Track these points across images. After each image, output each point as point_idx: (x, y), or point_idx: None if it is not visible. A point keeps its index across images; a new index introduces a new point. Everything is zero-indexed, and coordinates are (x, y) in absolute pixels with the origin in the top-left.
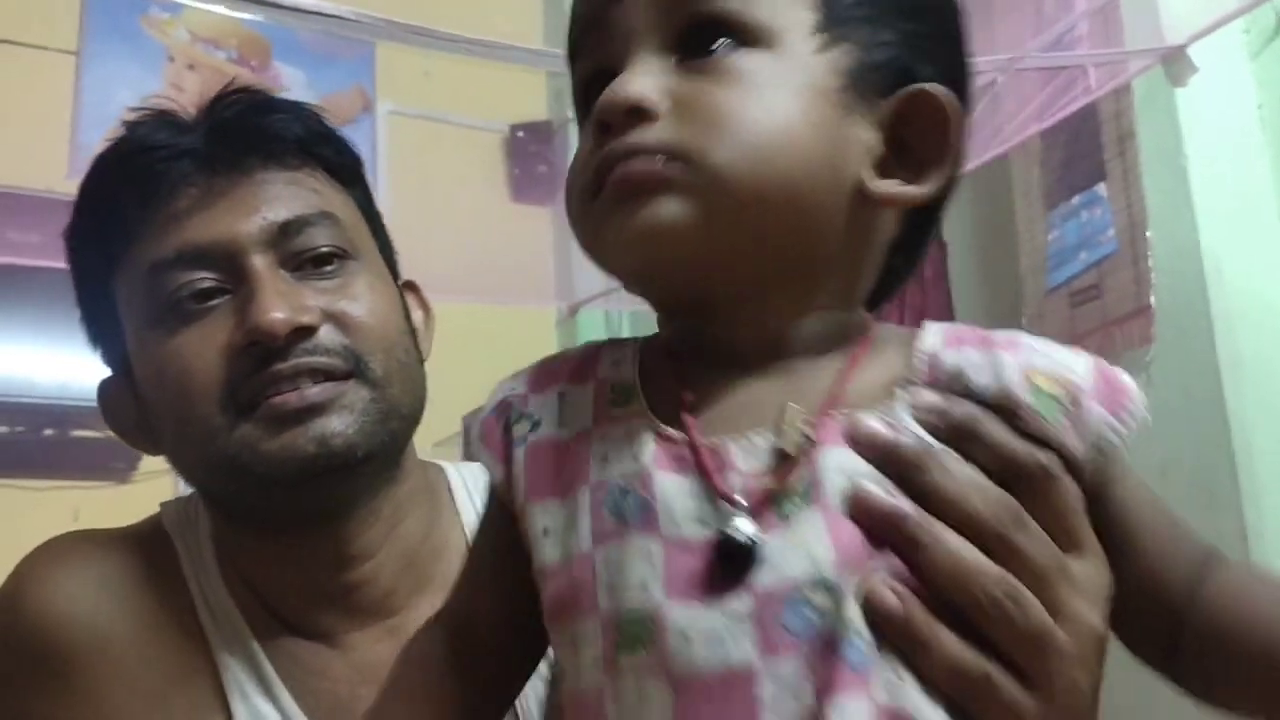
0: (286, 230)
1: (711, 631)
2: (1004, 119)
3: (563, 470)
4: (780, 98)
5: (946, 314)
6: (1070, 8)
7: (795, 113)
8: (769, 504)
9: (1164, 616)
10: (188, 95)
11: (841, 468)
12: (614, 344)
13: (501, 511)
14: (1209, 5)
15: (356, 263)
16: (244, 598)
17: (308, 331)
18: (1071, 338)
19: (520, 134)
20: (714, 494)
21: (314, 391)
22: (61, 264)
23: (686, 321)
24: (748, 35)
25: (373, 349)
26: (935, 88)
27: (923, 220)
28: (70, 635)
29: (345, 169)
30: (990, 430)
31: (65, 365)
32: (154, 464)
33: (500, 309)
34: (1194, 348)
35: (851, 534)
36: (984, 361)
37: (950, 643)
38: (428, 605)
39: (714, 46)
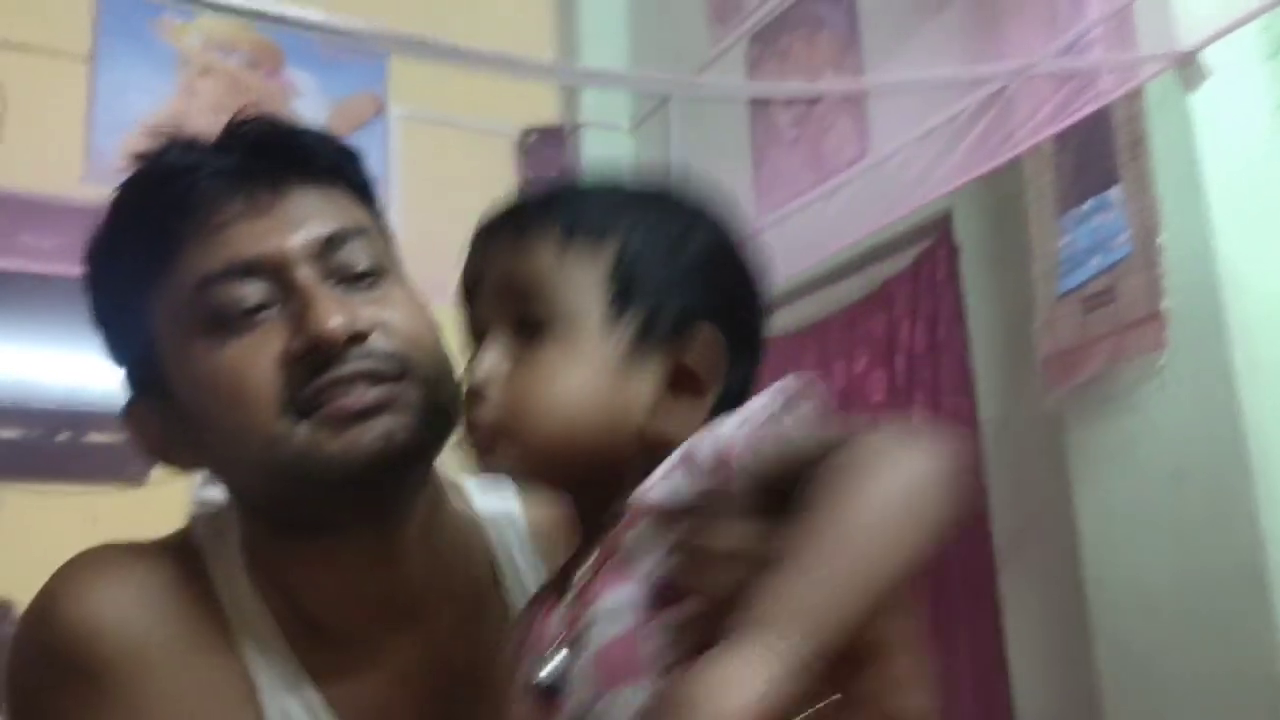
0: (330, 244)
1: None
2: (1016, 124)
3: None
4: (569, 377)
5: (958, 320)
6: (1083, 12)
7: (577, 389)
8: (569, 646)
9: None
10: (201, 100)
11: (605, 612)
12: None
13: None
14: (1223, 8)
15: (391, 277)
16: (276, 606)
17: (361, 338)
18: (1084, 343)
19: (533, 137)
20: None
21: (372, 393)
22: (76, 269)
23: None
24: (555, 327)
25: (419, 354)
26: (697, 334)
27: (743, 379)
28: (107, 646)
29: (368, 189)
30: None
31: (79, 369)
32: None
33: None
34: (1208, 353)
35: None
36: (680, 476)
37: None
38: (457, 611)
39: (534, 335)
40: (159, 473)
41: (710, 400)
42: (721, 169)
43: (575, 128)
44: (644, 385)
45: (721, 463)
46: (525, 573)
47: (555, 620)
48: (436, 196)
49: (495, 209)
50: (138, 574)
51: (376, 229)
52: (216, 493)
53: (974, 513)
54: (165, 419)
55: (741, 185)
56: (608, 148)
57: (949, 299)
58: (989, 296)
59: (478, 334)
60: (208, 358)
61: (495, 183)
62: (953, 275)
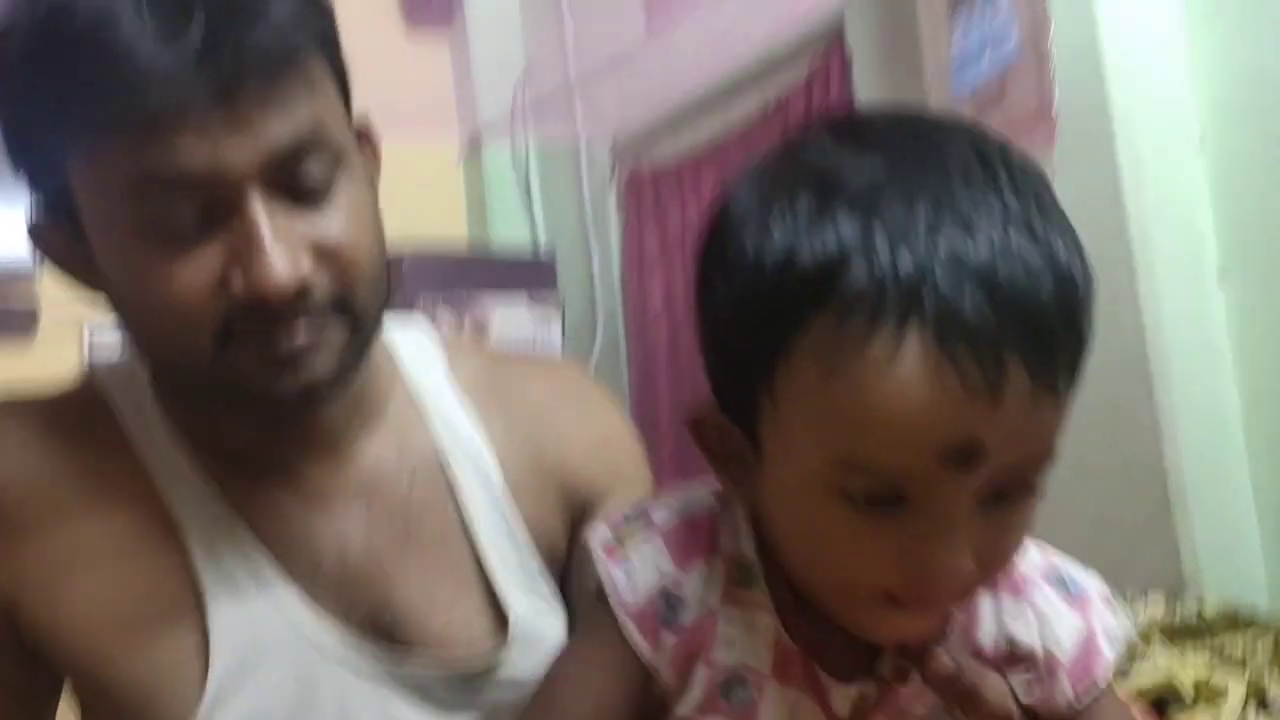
0: (284, 160)
1: None
2: None
3: (690, 644)
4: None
5: None
6: None
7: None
8: None
9: None
10: None
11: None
12: (720, 501)
13: (634, 676)
14: None
15: (343, 176)
16: (193, 443)
17: (304, 289)
18: None
19: None
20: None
21: (304, 338)
22: None
23: None
24: (1035, 488)
25: (358, 283)
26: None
27: None
28: (11, 490)
29: (330, 34)
30: (986, 692)
31: None
32: (53, 331)
33: (398, 148)
34: (1095, 151)
35: None
36: (1004, 617)
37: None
38: (376, 443)
39: (1011, 495)
40: (45, 331)
41: None
42: None
43: None
44: None
45: (1047, 667)
46: (447, 405)
47: (848, 695)
48: None
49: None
50: (39, 422)
51: (335, 95)
52: (113, 341)
53: None
54: (75, 251)
55: (630, 3)
56: None
57: (843, 109)
58: (882, 101)
59: (898, 497)
60: (142, 261)
61: (378, 29)
62: (846, 85)
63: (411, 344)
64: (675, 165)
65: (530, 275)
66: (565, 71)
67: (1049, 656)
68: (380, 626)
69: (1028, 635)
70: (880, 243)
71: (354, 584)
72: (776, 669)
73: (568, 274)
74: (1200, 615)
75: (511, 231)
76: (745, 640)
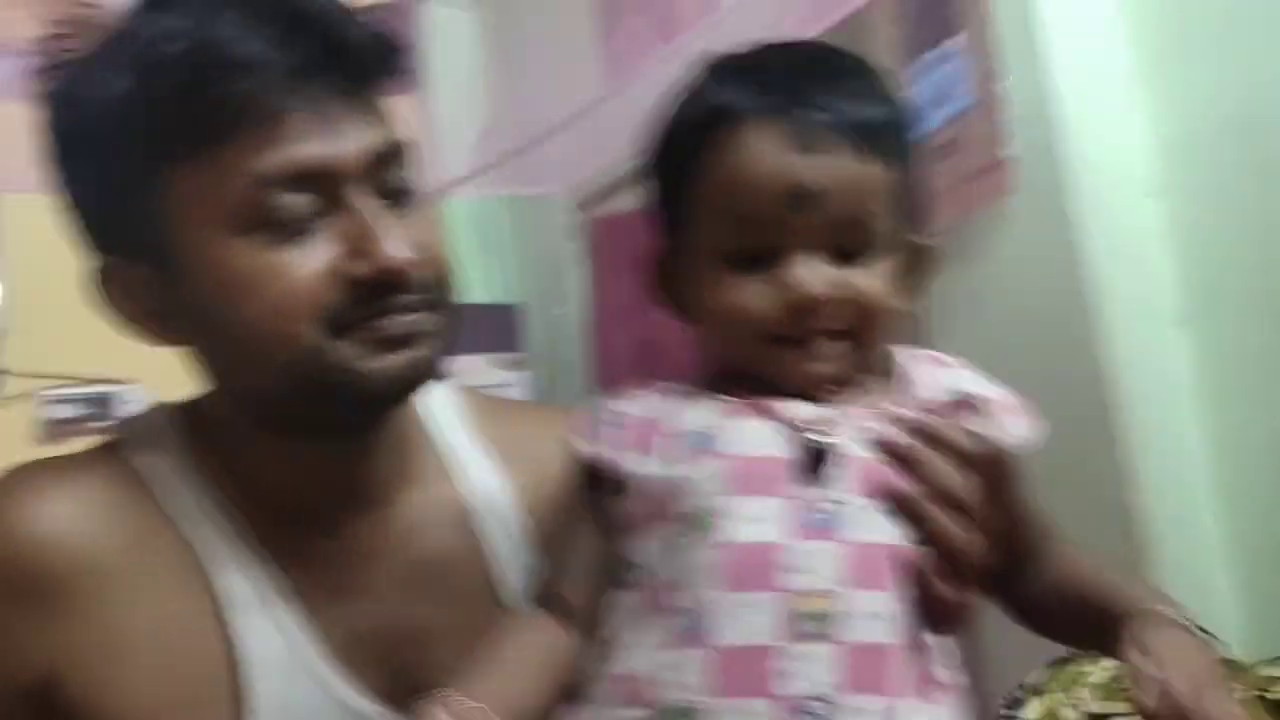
0: (381, 160)
1: (755, 514)
2: None
3: (652, 432)
4: (894, 276)
5: None
6: None
7: (897, 281)
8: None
9: (1015, 563)
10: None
11: (861, 435)
12: (669, 384)
13: (593, 478)
14: None
15: (418, 197)
16: (234, 499)
17: (412, 268)
18: (931, 195)
19: (372, 14)
20: (783, 424)
21: (409, 320)
22: None
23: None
24: (879, 244)
25: (446, 283)
26: (930, 244)
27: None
28: (56, 557)
29: (401, 79)
30: (948, 431)
31: None
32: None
33: None
34: (1049, 199)
35: (870, 468)
36: (944, 377)
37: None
38: (410, 496)
39: (858, 249)
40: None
41: (911, 301)
42: (568, 40)
43: (414, 3)
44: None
45: (982, 409)
46: (472, 460)
47: (806, 413)
48: None
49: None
50: (75, 484)
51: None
52: (71, 410)
53: None
54: (154, 290)
55: (590, 55)
56: (451, 23)
57: None
58: None
59: (763, 249)
60: (250, 257)
61: None
62: None
63: (432, 395)
64: (640, 214)
65: (497, 325)
66: (527, 125)
67: (992, 403)
68: (416, 685)
69: (970, 386)
70: (739, 80)
71: (390, 641)
72: (731, 415)
73: (535, 324)
74: None
75: (476, 283)
76: (702, 414)
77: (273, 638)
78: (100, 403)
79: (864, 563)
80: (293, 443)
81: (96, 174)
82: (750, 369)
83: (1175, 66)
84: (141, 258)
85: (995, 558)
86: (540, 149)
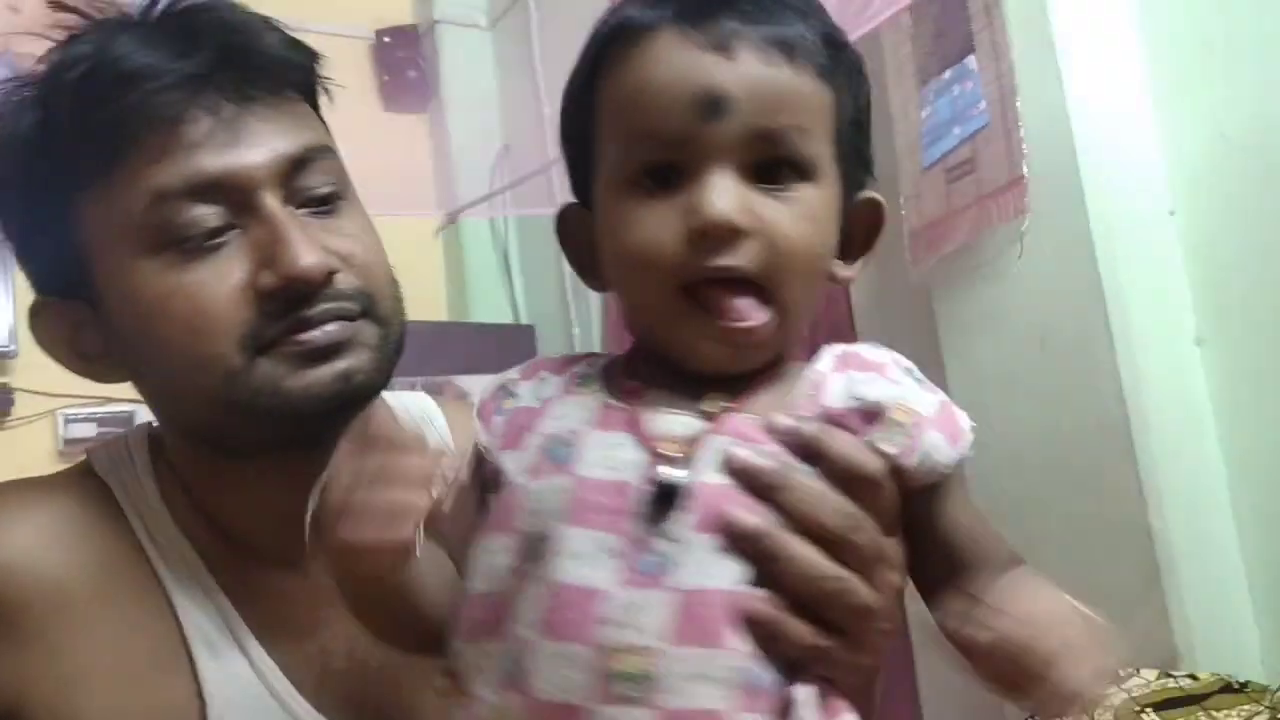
0: (296, 165)
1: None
2: None
3: (526, 427)
4: (820, 219)
5: None
6: None
7: (825, 229)
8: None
9: (962, 591)
10: (24, 15)
11: (720, 458)
12: (593, 356)
13: (479, 464)
14: None
15: (347, 200)
16: (197, 531)
17: (330, 276)
18: (948, 214)
19: (386, 39)
20: (642, 445)
21: (334, 329)
22: None
23: (660, 355)
24: (806, 169)
25: (379, 289)
26: (875, 198)
27: None
28: (21, 583)
29: (312, 86)
30: (833, 444)
31: None
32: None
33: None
34: (1067, 217)
35: (716, 496)
36: (859, 380)
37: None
38: None
39: (782, 174)
40: (20, 411)
41: (858, 271)
42: None
43: (429, 26)
44: (836, 235)
45: (915, 424)
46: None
47: (672, 424)
48: None
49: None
50: (46, 509)
51: (333, 143)
52: (90, 430)
53: None
54: (84, 325)
55: None
56: (465, 46)
57: None
58: None
59: (672, 165)
60: (160, 278)
61: (352, 89)
62: None
63: (413, 413)
64: None
65: (510, 346)
66: (543, 147)
67: (912, 414)
68: None
69: (880, 393)
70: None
71: (358, 680)
72: (598, 423)
73: (549, 344)
74: (1193, 678)
75: (491, 305)
76: (573, 413)
77: (239, 676)
78: (120, 421)
79: (695, 615)
80: (242, 471)
81: (18, 212)
82: (653, 342)
83: (1192, 85)
84: (75, 295)
85: (923, 589)
86: (556, 170)
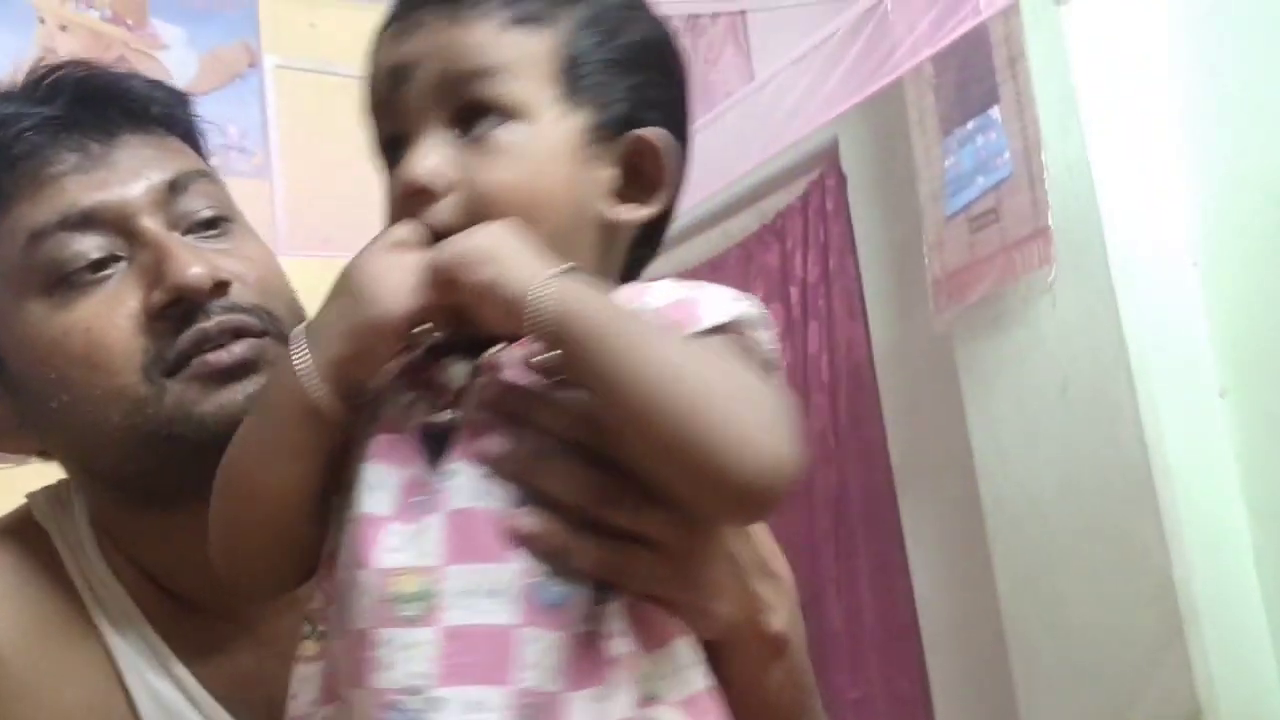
0: (173, 189)
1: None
2: (895, 43)
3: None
4: (536, 160)
5: (849, 248)
6: None
7: (548, 169)
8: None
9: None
10: (62, 58)
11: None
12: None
13: None
14: None
15: (236, 224)
16: (133, 581)
17: (224, 288)
18: (972, 263)
19: None
20: (428, 393)
21: (240, 348)
22: None
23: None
24: (508, 112)
25: (279, 308)
26: (651, 131)
27: (659, 219)
28: None
29: (199, 136)
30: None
31: None
32: None
33: None
34: (1089, 268)
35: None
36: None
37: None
38: None
39: (483, 123)
40: None
41: (661, 205)
42: None
43: None
44: (601, 175)
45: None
46: None
47: (454, 373)
48: (315, 146)
49: None
50: None
51: (215, 176)
52: None
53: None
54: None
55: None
56: None
57: (839, 227)
58: (878, 222)
59: (396, 138)
60: (51, 319)
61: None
62: (842, 204)
63: None
64: (677, 276)
65: None
66: None
67: (650, 310)
68: None
69: (649, 301)
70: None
71: None
72: (401, 375)
73: None
74: None
75: None
76: (391, 370)
77: None
78: None
79: (466, 532)
80: (169, 521)
81: None
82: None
83: (1214, 138)
84: None
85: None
86: None
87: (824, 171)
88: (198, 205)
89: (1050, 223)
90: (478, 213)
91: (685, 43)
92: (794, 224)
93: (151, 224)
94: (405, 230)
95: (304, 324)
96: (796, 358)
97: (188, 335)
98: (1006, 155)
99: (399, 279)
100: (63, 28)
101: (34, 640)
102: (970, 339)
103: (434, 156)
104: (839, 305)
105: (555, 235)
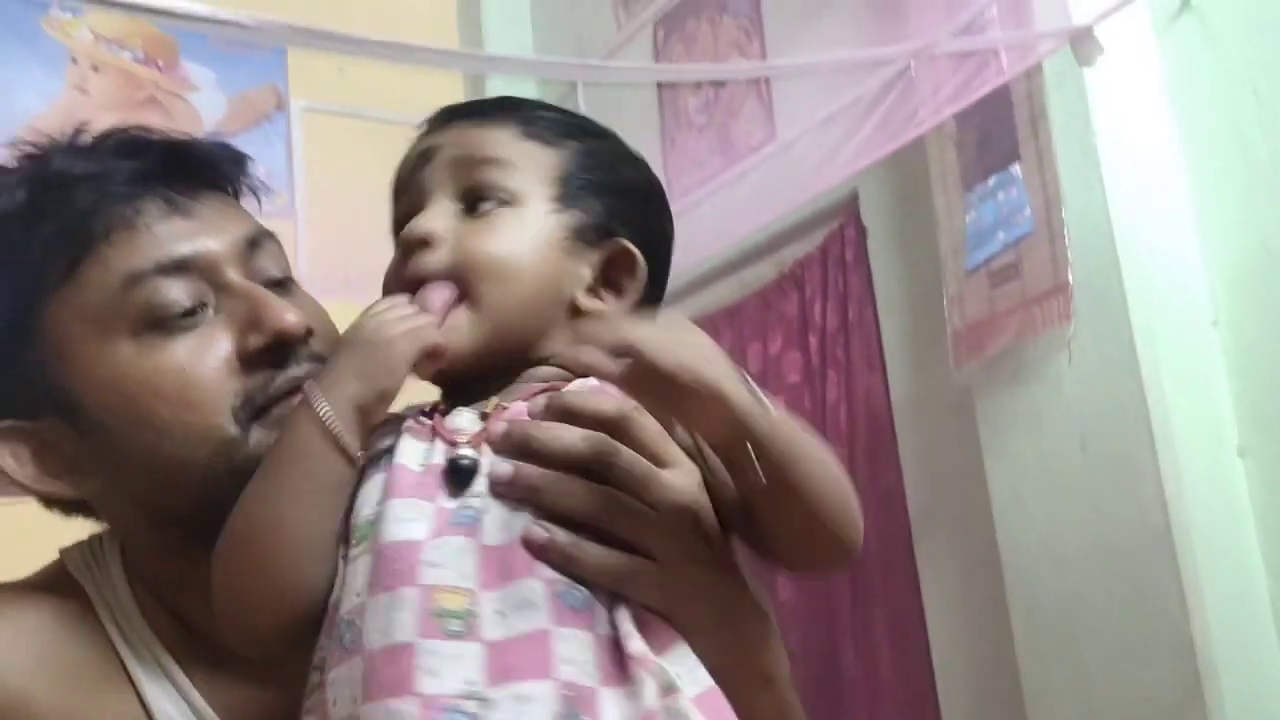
0: (252, 245)
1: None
2: (919, 103)
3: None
4: (523, 239)
5: (868, 298)
6: None
7: (530, 248)
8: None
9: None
10: (93, 97)
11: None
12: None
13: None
14: None
15: (295, 284)
16: (170, 632)
17: (311, 335)
18: (992, 317)
19: None
20: (441, 440)
21: None
22: None
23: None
24: (507, 199)
25: None
26: (624, 243)
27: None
28: None
29: (257, 198)
30: (572, 400)
31: None
32: None
33: None
34: (1110, 324)
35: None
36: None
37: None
38: None
39: (484, 205)
40: None
41: (627, 305)
42: None
43: None
44: (579, 268)
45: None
46: None
47: (462, 420)
48: (341, 190)
49: (454, 105)
50: (15, 617)
51: (276, 238)
52: None
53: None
54: (49, 443)
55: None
56: None
57: (858, 278)
58: (897, 274)
59: (410, 216)
60: (145, 357)
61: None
62: (861, 255)
63: None
64: (698, 323)
65: None
66: None
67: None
68: None
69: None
70: None
71: None
72: (408, 431)
73: None
74: None
75: None
76: (390, 432)
77: None
78: None
79: (497, 563)
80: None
81: None
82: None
83: (1234, 197)
84: (39, 412)
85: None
86: None
87: (843, 223)
88: (269, 265)
89: (1070, 279)
90: (459, 265)
91: (709, 95)
92: (813, 274)
93: (238, 275)
94: (403, 299)
95: (314, 376)
96: (815, 407)
97: (282, 380)
98: (1027, 211)
99: (410, 340)
100: (95, 68)
101: (72, 694)
102: (990, 393)
103: (438, 220)
104: (858, 356)
105: (524, 306)
